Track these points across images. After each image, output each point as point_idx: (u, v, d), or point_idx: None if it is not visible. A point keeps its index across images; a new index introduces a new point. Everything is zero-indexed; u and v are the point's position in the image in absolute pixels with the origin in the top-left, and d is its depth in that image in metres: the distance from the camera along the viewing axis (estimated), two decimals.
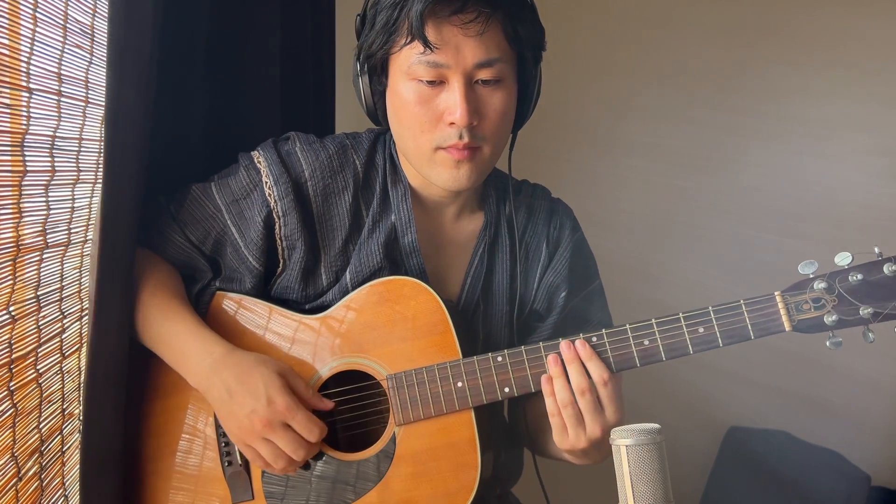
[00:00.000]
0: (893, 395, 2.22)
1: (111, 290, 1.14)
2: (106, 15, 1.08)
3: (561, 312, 1.31)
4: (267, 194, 1.23)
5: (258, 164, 1.25)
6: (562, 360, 1.12)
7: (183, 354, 1.19)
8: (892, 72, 2.21)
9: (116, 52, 1.07)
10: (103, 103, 1.09)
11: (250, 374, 1.14)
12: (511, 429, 1.42)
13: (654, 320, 1.11)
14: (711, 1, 2.38)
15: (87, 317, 1.17)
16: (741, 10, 2.34)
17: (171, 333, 1.20)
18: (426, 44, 1.09)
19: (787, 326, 1.07)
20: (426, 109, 1.14)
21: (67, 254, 1.14)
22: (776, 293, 1.08)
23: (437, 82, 1.13)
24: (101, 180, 1.10)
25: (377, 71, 1.18)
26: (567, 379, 1.11)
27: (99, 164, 1.17)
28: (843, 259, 1.05)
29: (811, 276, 1.06)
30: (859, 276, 1.04)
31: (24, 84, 0.97)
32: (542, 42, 1.20)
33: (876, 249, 1.04)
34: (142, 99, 1.13)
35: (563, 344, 1.12)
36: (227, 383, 1.14)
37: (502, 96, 1.16)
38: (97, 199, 1.13)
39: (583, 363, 1.11)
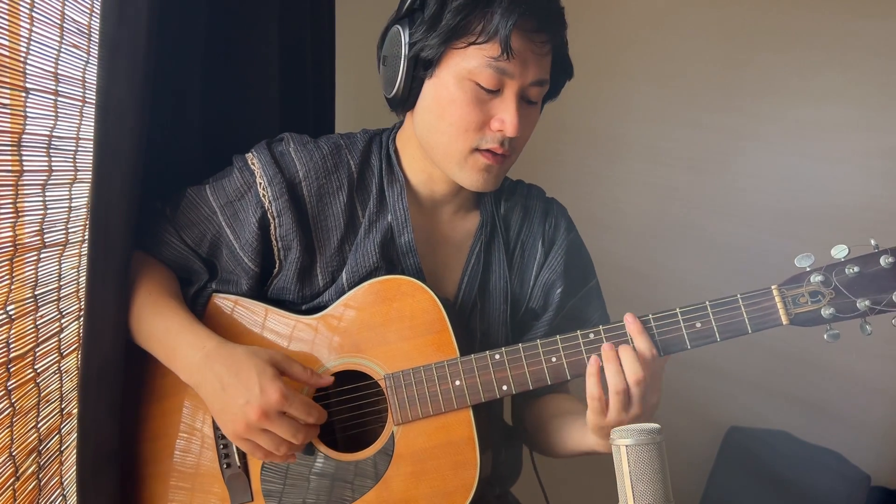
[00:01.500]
0: (893, 395, 2.22)
1: (104, 289, 1.13)
2: None
3: (557, 310, 1.31)
4: (261, 195, 1.23)
5: (252, 166, 1.25)
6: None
7: (174, 349, 1.18)
8: (892, 72, 2.21)
9: (108, 51, 1.07)
10: None
11: (243, 365, 1.13)
12: (510, 428, 1.42)
13: (651, 315, 1.11)
14: (711, 2, 2.38)
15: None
16: (741, 10, 2.34)
17: (163, 329, 1.19)
18: (509, 52, 1.11)
19: (784, 320, 1.07)
20: (477, 111, 1.15)
21: (65, 253, 1.14)
22: (773, 287, 1.08)
23: (495, 90, 1.15)
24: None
25: (425, 62, 1.17)
26: (619, 365, 1.08)
27: None
28: (839, 252, 1.05)
29: (808, 269, 1.06)
30: (856, 269, 1.04)
31: (21, 84, 0.97)
32: (570, 77, 1.27)
33: (872, 241, 1.04)
34: (135, 98, 1.13)
35: (628, 317, 1.10)
36: (220, 376, 1.13)
37: (535, 115, 1.22)
38: None
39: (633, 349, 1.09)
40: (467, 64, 1.13)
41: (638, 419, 1.08)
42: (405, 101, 1.22)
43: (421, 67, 1.18)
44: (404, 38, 1.17)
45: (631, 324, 1.10)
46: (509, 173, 1.31)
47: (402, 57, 1.18)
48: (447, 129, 1.17)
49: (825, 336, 1.06)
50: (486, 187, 1.21)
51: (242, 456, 1.23)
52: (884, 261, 1.03)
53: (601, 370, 1.09)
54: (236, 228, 1.25)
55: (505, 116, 1.15)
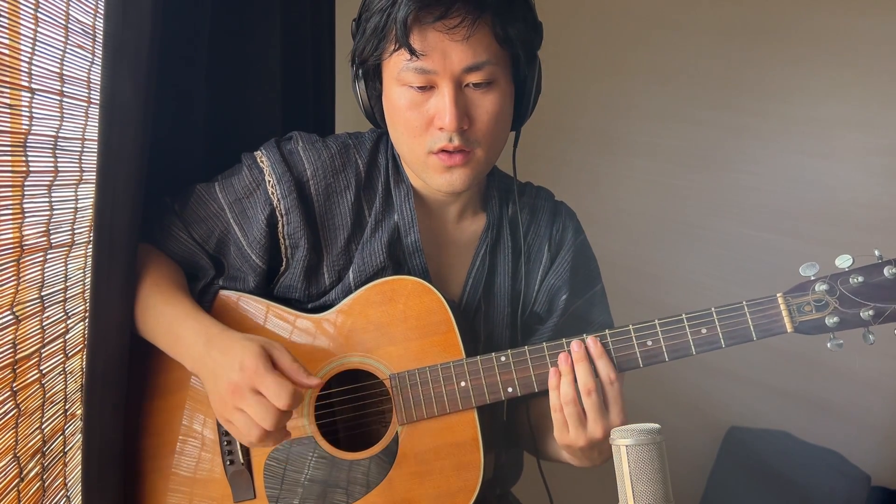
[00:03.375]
0: (893, 395, 2.23)
1: (108, 291, 1.13)
2: None
3: (561, 315, 1.31)
4: (270, 193, 1.23)
5: (261, 164, 1.25)
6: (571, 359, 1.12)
7: (179, 337, 1.18)
8: (892, 72, 2.21)
9: (112, 51, 1.07)
10: None
11: (233, 347, 1.12)
12: (509, 429, 1.42)
13: (657, 321, 1.11)
14: (712, 1, 2.38)
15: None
16: (742, 10, 2.34)
17: (170, 317, 1.19)
18: (411, 51, 1.09)
19: (788, 328, 1.08)
20: (417, 114, 1.14)
21: (71, 254, 1.14)
22: (778, 295, 1.09)
23: (428, 87, 1.13)
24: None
25: (371, 76, 1.19)
26: (574, 377, 1.11)
27: None
28: (843, 261, 1.06)
29: (812, 277, 1.07)
30: (860, 279, 1.05)
31: (25, 84, 0.97)
32: (536, 40, 1.19)
33: (876, 252, 1.05)
34: (139, 98, 1.12)
35: (574, 343, 1.13)
36: (215, 358, 1.12)
37: (494, 98, 1.15)
38: None
39: (592, 362, 1.11)
40: (395, 70, 1.13)
41: (600, 443, 1.11)
42: (374, 117, 1.24)
43: (371, 84, 1.20)
44: (351, 55, 1.20)
45: (592, 347, 1.12)
46: (509, 170, 1.31)
47: (354, 78, 1.21)
48: (400, 137, 1.18)
49: (829, 345, 1.07)
50: (454, 187, 1.18)
51: (246, 453, 1.23)
52: (888, 272, 1.04)
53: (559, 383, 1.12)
54: (244, 226, 1.25)
55: (441, 112, 1.12)
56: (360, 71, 1.19)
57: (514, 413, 1.36)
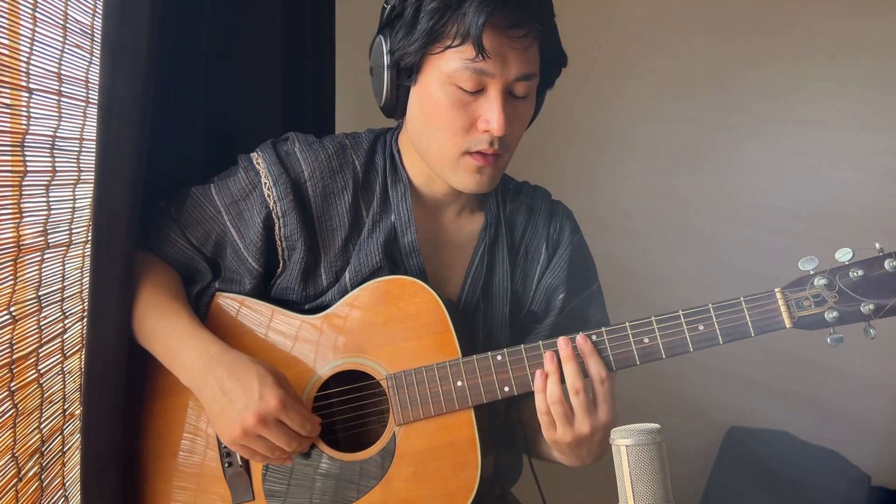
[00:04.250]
0: (893, 395, 2.23)
1: (107, 290, 1.14)
2: None
3: (558, 315, 1.30)
4: (266, 195, 1.23)
5: (257, 166, 1.25)
6: (558, 358, 1.12)
7: (177, 352, 1.19)
8: (892, 72, 2.21)
9: (111, 51, 1.07)
10: None
11: (244, 371, 1.14)
12: (508, 429, 1.42)
13: (653, 318, 1.10)
14: (712, 1, 2.38)
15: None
16: (741, 10, 2.34)
17: (167, 331, 1.20)
18: (482, 53, 1.09)
19: (787, 323, 1.07)
20: (462, 114, 1.14)
21: (69, 254, 1.14)
22: (776, 290, 1.07)
23: (478, 90, 1.14)
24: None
25: (407, 68, 1.17)
26: (560, 376, 1.11)
27: None
28: (843, 255, 1.05)
29: (811, 272, 1.06)
30: (860, 272, 1.03)
31: (24, 84, 0.97)
32: (564, 65, 1.23)
33: (877, 245, 1.03)
34: (137, 98, 1.13)
35: (561, 340, 1.12)
36: (221, 380, 1.14)
37: (527, 110, 1.19)
38: None
39: (580, 361, 1.11)
40: (446, 68, 1.13)
41: (588, 438, 1.11)
42: (395, 109, 1.23)
43: (404, 75, 1.18)
44: (385, 47, 1.17)
45: (581, 345, 1.12)
46: (508, 171, 1.31)
47: (385, 66, 1.18)
48: (435, 133, 1.17)
49: (828, 340, 1.06)
50: (481, 188, 1.20)
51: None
52: (888, 265, 1.02)
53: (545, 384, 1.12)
54: (241, 228, 1.25)
55: (490, 116, 1.13)
56: (400, 62, 1.17)
57: (509, 413, 1.36)
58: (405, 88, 1.20)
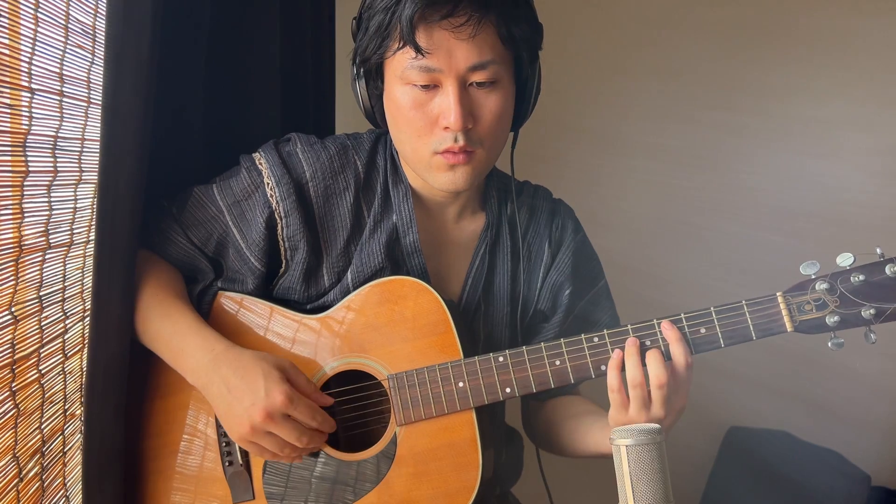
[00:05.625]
0: (893, 395, 2.22)
1: (109, 290, 1.14)
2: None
3: (567, 311, 1.31)
4: (269, 195, 1.23)
5: (260, 166, 1.25)
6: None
7: (182, 351, 1.19)
8: (892, 72, 2.21)
9: (114, 52, 1.07)
10: None
11: (249, 368, 1.14)
12: (511, 428, 1.42)
13: (655, 321, 1.11)
14: (712, 1, 2.38)
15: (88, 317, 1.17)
16: (742, 10, 2.34)
17: (171, 331, 1.20)
18: (417, 49, 1.09)
19: (788, 327, 1.07)
20: (421, 114, 1.14)
21: (70, 254, 1.14)
22: (778, 294, 1.08)
23: (432, 86, 1.13)
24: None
25: (373, 75, 1.19)
26: (640, 359, 1.09)
27: None
28: (844, 260, 1.05)
29: (813, 276, 1.07)
30: (861, 277, 1.04)
31: (25, 84, 0.97)
32: (538, 41, 1.19)
33: (878, 250, 1.04)
34: (140, 99, 1.13)
35: (665, 323, 1.10)
36: (226, 378, 1.14)
37: (497, 98, 1.15)
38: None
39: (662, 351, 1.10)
40: (398, 69, 1.13)
41: (660, 421, 1.09)
42: (374, 117, 1.24)
43: (372, 83, 1.19)
44: (356, 57, 1.19)
45: (668, 331, 1.10)
46: (506, 170, 1.31)
47: (354, 76, 1.20)
48: (405, 138, 1.17)
49: (829, 344, 1.06)
50: (458, 187, 1.18)
51: (245, 454, 1.23)
52: (889, 270, 1.03)
53: (623, 363, 1.10)
54: (243, 228, 1.25)
55: (445, 111, 1.12)
56: (362, 70, 1.19)
57: (530, 412, 1.36)
58: (377, 96, 1.21)
